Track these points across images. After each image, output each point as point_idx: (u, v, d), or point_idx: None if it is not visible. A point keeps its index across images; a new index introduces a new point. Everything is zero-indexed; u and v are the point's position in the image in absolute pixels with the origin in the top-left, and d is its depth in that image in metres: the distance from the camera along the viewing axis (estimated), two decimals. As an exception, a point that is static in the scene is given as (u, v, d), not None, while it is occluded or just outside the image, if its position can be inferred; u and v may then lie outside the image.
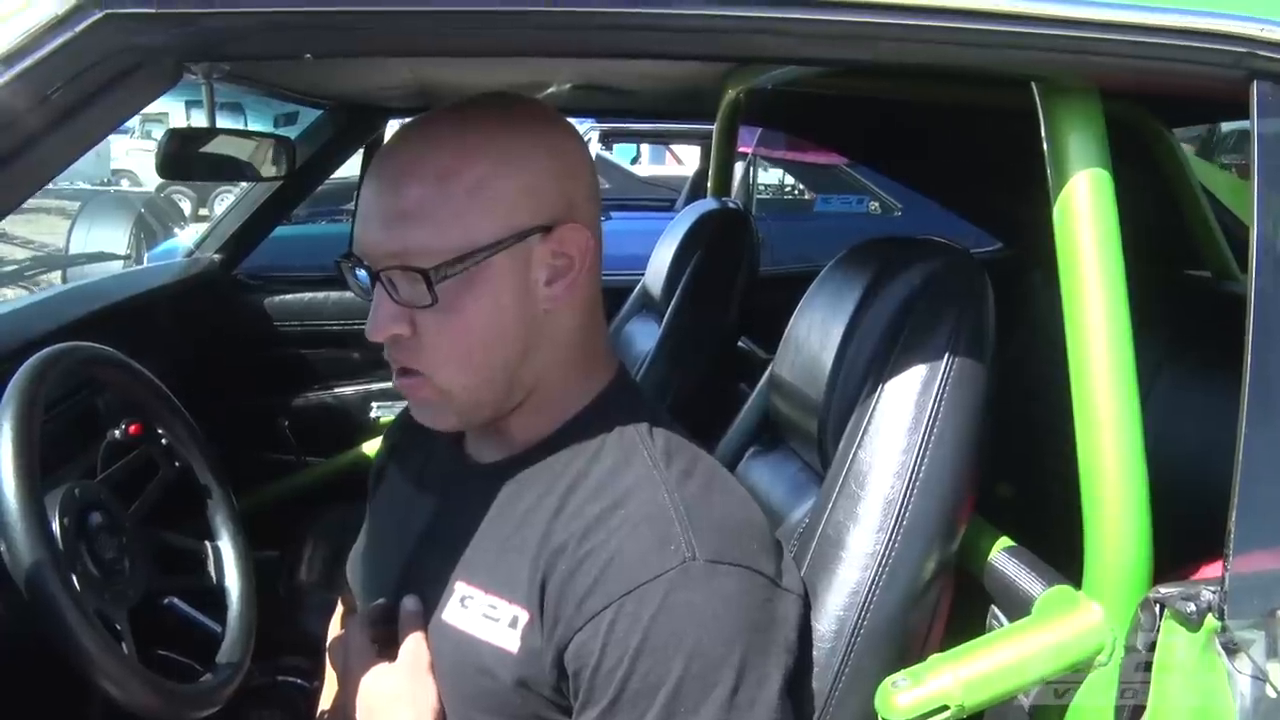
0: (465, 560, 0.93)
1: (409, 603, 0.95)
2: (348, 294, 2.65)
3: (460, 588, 0.92)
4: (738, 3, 0.78)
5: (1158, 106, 1.64)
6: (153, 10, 0.73)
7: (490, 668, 0.88)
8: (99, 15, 0.71)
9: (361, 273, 0.90)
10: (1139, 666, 0.92)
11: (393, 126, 2.65)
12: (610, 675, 0.81)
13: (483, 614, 0.89)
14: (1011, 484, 1.68)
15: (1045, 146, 0.94)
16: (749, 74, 2.00)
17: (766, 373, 1.36)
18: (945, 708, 0.91)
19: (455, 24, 0.79)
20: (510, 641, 0.87)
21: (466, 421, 0.94)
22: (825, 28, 0.81)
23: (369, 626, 0.99)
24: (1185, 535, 0.95)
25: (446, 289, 0.85)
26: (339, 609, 1.22)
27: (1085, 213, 0.91)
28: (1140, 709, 0.92)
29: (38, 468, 1.12)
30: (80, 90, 0.74)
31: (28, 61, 0.71)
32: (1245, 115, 0.87)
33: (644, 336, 2.29)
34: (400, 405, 2.86)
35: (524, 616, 0.87)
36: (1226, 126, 5.73)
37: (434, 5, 0.78)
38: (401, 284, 0.86)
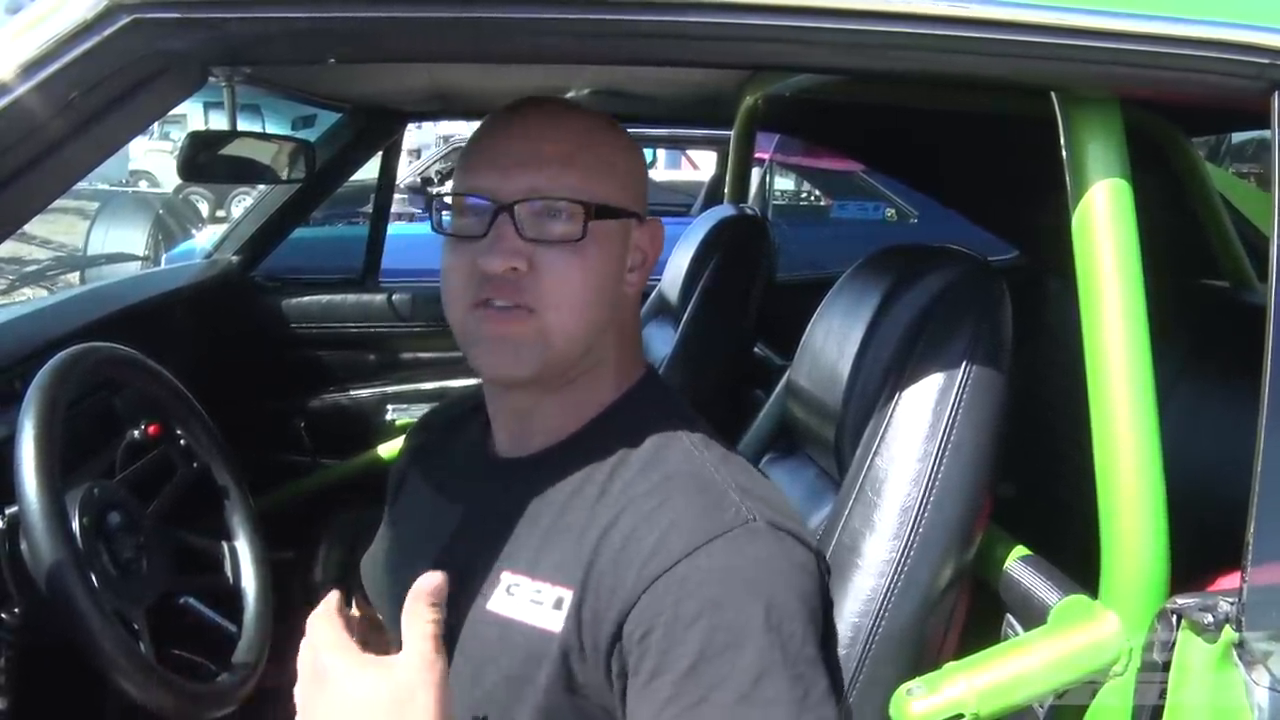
0: (507, 551, 0.92)
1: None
2: (365, 296, 2.67)
3: (506, 577, 0.90)
4: (761, 11, 0.79)
5: (1176, 115, 1.63)
6: (179, 15, 0.74)
7: (536, 653, 0.86)
8: (126, 20, 0.73)
9: (478, 200, 0.88)
10: (1155, 677, 0.91)
11: (410, 130, 2.66)
12: (688, 630, 0.79)
13: (530, 599, 0.88)
14: (1027, 492, 1.67)
15: (1064, 155, 0.94)
16: (767, 80, 2.00)
17: (783, 379, 1.36)
18: (960, 716, 0.91)
19: (478, 30, 0.80)
20: (555, 623, 0.86)
21: (541, 373, 0.91)
22: (847, 37, 0.81)
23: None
24: (1203, 546, 0.95)
25: (589, 231, 0.87)
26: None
27: (1104, 222, 0.91)
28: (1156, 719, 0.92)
29: (59, 468, 1.13)
30: (106, 94, 0.75)
31: (56, 65, 0.73)
32: (1264, 125, 0.87)
33: (660, 342, 2.29)
34: (417, 408, 2.87)
35: (569, 597, 0.86)
36: (1240, 136, 5.67)
37: (458, 12, 0.78)
38: (534, 220, 0.87)
